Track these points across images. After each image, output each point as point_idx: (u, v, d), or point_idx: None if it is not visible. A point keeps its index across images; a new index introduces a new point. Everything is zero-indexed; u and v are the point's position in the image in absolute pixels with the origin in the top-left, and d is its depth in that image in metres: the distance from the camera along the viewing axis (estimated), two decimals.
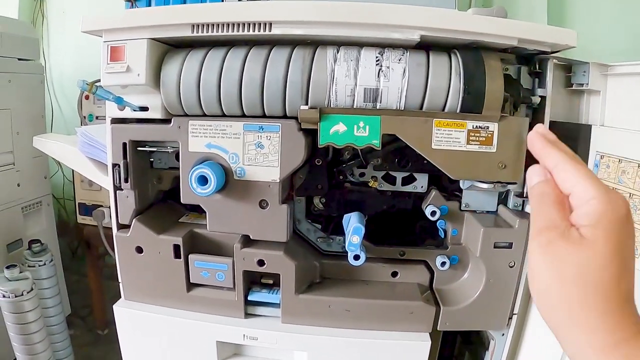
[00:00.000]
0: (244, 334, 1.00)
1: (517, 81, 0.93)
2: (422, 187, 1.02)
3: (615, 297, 0.36)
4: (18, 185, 1.90)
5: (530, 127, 0.92)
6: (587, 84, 0.98)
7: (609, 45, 1.91)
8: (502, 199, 1.01)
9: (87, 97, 1.96)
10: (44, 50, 2.38)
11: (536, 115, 0.97)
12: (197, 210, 1.06)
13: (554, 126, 0.97)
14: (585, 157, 0.98)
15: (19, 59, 1.88)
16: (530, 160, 0.87)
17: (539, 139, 0.48)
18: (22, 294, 1.49)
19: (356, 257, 0.94)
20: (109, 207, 1.05)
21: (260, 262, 0.96)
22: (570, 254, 0.38)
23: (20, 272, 1.53)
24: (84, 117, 1.97)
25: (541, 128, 0.49)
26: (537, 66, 0.96)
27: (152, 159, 1.05)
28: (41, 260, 1.70)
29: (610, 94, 0.99)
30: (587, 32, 1.94)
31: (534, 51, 0.91)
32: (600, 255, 0.37)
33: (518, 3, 1.97)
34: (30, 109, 1.95)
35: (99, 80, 0.92)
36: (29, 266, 1.68)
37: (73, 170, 1.99)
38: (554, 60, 0.95)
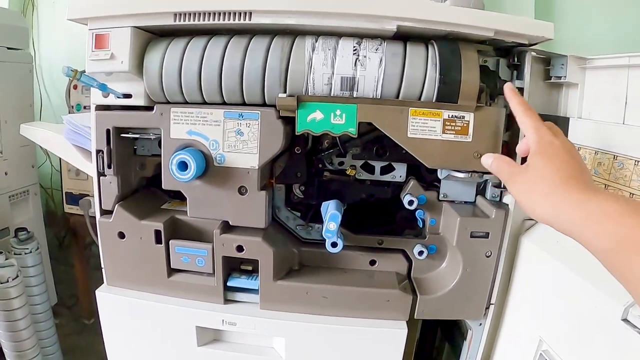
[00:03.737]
0: (223, 319, 1.01)
1: (493, 72, 0.95)
2: (400, 176, 1.03)
3: (557, 180, 0.58)
4: (5, 174, 1.90)
5: (508, 118, 0.94)
6: (565, 76, 1.00)
7: (598, 41, 1.92)
8: (481, 190, 1.02)
9: (75, 87, 1.97)
10: (33, 40, 2.38)
11: None
12: (179, 197, 1.07)
13: None
14: None
15: (8, 48, 1.88)
16: (506, 150, 0.89)
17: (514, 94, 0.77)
18: (8, 281, 1.49)
19: (334, 245, 0.95)
20: None
21: (239, 248, 0.98)
22: (523, 175, 0.64)
23: (6, 259, 1.53)
24: (72, 106, 1.98)
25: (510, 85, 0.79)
26: (516, 58, 0.97)
27: (135, 146, 1.07)
28: (27, 248, 1.70)
29: (588, 87, 1.01)
30: (576, 28, 1.95)
31: (512, 43, 0.92)
32: (536, 166, 0.62)
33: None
34: (19, 98, 1.95)
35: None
36: (15, 254, 1.68)
37: (61, 160, 1.99)
38: (533, 52, 0.96)
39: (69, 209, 2.05)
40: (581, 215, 0.50)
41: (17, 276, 1.53)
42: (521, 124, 0.72)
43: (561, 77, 1.01)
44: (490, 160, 0.74)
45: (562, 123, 1.00)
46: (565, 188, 0.56)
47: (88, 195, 1.93)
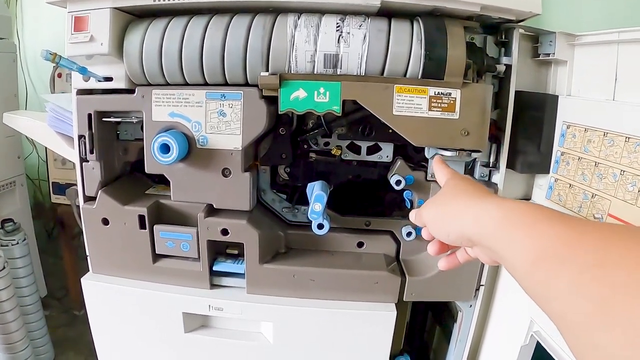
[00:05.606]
0: (209, 304, 1.00)
1: (480, 49, 0.93)
2: (387, 156, 1.01)
3: (472, 189, 0.57)
4: None
5: (496, 96, 0.93)
6: (554, 53, 0.98)
7: (592, 23, 1.91)
8: (469, 169, 1.01)
9: (59, 75, 1.94)
10: (17, 30, 2.35)
11: (502, 84, 0.97)
12: (164, 182, 1.05)
13: (520, 96, 0.97)
14: (551, 127, 0.98)
15: None
16: (495, 128, 0.87)
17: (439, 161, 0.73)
18: None
19: (320, 226, 0.94)
20: None
21: (224, 232, 0.96)
22: (436, 198, 0.63)
23: None
24: None
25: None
26: (504, 35, 0.96)
27: (118, 131, 1.05)
28: (14, 240, 1.69)
29: (577, 64, 0.99)
30: (569, 10, 1.93)
31: (499, 19, 0.90)
32: (449, 185, 0.63)
33: None
34: (3, 87, 1.92)
35: None
36: (1, 245, 1.66)
37: (47, 150, 1.97)
38: (521, 29, 0.95)
39: (56, 199, 2.03)
40: (501, 217, 0.46)
41: (4, 267, 1.51)
42: (437, 172, 0.71)
43: (550, 54, 0.99)
44: (413, 216, 0.69)
45: (551, 101, 0.99)
46: (483, 193, 0.55)
47: (75, 184, 1.91)
